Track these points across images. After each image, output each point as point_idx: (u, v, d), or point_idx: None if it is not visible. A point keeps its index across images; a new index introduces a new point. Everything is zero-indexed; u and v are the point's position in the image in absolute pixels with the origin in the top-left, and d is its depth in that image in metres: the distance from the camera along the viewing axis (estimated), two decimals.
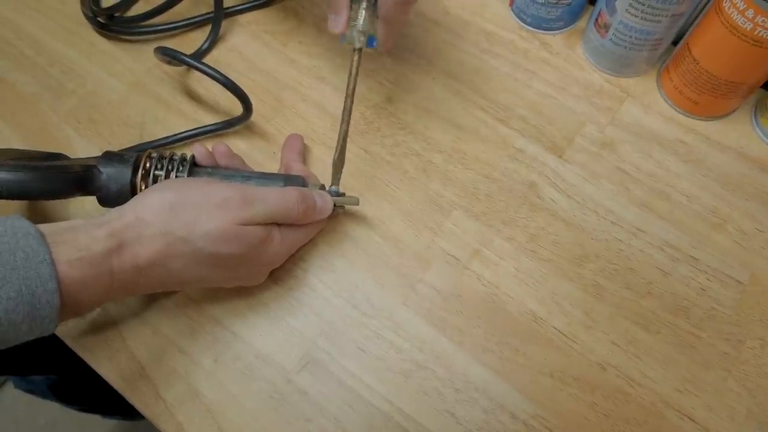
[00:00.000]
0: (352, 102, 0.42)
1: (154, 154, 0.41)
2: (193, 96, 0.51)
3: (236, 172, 0.42)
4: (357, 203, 0.43)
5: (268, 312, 0.42)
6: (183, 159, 0.41)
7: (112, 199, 0.40)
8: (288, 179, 0.41)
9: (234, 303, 0.42)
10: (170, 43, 0.54)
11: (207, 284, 0.40)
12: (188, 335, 0.41)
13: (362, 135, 0.49)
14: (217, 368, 0.40)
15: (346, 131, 0.42)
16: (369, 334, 0.42)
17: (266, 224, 0.38)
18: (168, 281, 0.37)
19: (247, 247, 0.37)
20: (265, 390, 0.40)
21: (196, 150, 0.42)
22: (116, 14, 0.54)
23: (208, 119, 0.50)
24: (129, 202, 0.36)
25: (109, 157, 0.40)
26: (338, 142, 0.42)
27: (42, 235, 0.31)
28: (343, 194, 0.43)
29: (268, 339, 0.41)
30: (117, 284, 0.34)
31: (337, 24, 0.42)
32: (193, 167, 0.41)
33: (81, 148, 0.49)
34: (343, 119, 0.42)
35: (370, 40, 0.42)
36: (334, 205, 0.42)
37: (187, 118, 0.50)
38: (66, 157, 0.44)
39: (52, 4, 0.56)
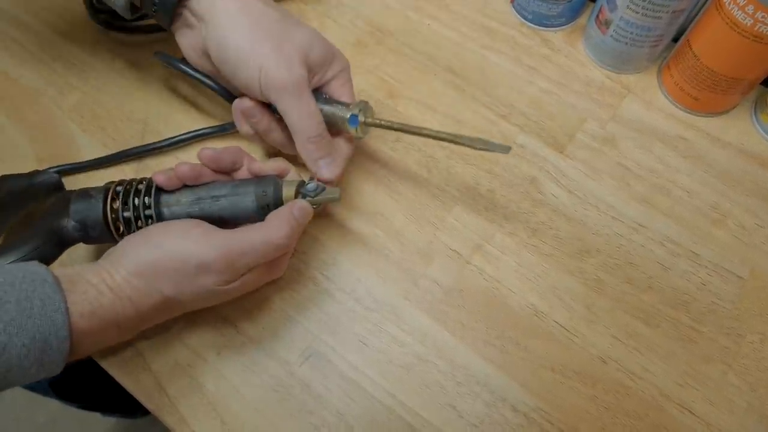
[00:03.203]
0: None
1: (119, 188, 0.39)
2: (196, 92, 0.52)
3: (204, 193, 0.39)
4: (338, 197, 0.40)
5: (271, 306, 0.42)
6: (148, 188, 0.39)
7: (96, 242, 0.40)
8: (259, 184, 0.39)
9: (236, 297, 0.42)
10: (173, 40, 0.54)
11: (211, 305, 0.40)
12: (191, 329, 0.41)
13: (364, 130, 0.49)
14: (220, 362, 0.40)
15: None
16: (371, 327, 0.42)
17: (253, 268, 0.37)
18: (175, 315, 0.39)
19: (237, 292, 0.38)
20: (267, 383, 0.40)
21: (157, 179, 0.39)
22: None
23: (212, 114, 0.50)
24: (114, 256, 0.36)
25: (77, 202, 0.39)
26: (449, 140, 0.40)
27: (58, 282, 0.32)
28: (323, 189, 0.39)
29: (270, 332, 0.42)
30: (124, 330, 0.35)
31: (334, 169, 0.41)
32: (159, 195, 0.39)
33: (84, 143, 0.49)
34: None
35: (353, 120, 0.41)
36: (316, 205, 0.40)
37: (189, 113, 0.50)
38: (36, 190, 0.43)
39: (57, 0, 0.56)
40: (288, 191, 0.39)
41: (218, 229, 0.37)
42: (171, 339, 0.41)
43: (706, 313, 0.42)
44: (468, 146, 0.39)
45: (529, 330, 0.42)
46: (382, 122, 0.42)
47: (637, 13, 0.46)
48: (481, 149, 0.39)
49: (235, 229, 0.37)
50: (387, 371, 0.40)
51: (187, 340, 0.41)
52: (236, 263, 0.36)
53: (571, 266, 0.44)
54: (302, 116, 0.39)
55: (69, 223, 0.39)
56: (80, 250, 0.43)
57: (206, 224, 0.37)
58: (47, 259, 0.38)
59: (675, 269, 0.44)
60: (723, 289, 0.43)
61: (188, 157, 0.48)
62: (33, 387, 0.78)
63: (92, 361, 0.41)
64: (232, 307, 0.42)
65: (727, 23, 0.42)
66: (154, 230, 0.37)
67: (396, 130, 0.42)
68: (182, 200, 0.39)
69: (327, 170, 0.40)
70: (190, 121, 0.50)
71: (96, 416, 0.92)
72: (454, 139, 0.40)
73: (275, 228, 0.36)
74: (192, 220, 0.38)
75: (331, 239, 0.45)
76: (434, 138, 0.40)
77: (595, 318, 0.42)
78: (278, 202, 0.39)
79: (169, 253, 0.35)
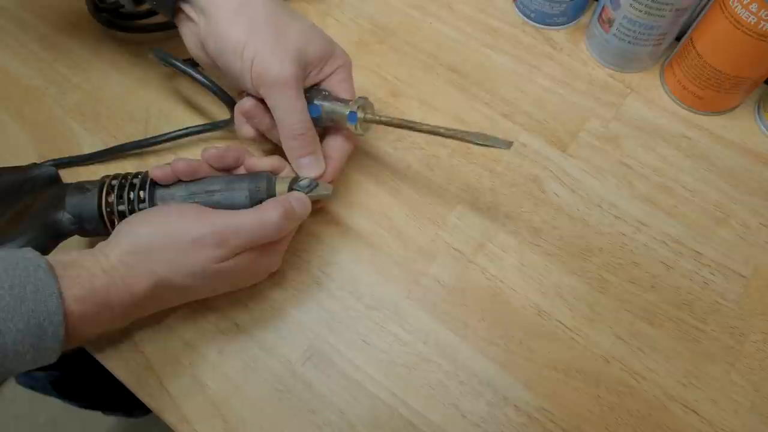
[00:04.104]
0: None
1: (114, 182, 0.40)
2: (198, 89, 0.51)
3: (198, 188, 0.39)
4: (329, 194, 0.40)
5: (272, 304, 0.42)
6: (143, 182, 0.40)
7: (91, 235, 0.40)
8: (252, 179, 0.39)
9: (237, 295, 0.42)
10: (175, 41, 0.54)
11: (206, 297, 0.40)
12: (192, 327, 0.41)
13: (366, 129, 0.49)
14: (222, 360, 0.40)
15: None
16: (373, 326, 0.42)
17: (248, 249, 0.37)
18: (166, 305, 0.39)
19: (232, 275, 0.37)
20: (269, 382, 0.40)
21: (153, 173, 0.39)
22: (121, 9, 0.54)
23: (214, 111, 0.50)
24: (110, 239, 0.36)
25: (72, 194, 0.39)
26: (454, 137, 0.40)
27: (51, 268, 0.32)
28: (315, 185, 0.40)
29: (272, 331, 0.41)
30: (118, 314, 0.35)
31: (316, 169, 0.41)
32: (154, 189, 0.40)
33: (86, 142, 0.49)
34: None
35: (352, 116, 0.41)
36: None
37: (191, 111, 0.50)
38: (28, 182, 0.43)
39: None
40: (281, 187, 0.40)
41: (214, 210, 0.38)
42: (173, 337, 0.41)
43: (709, 313, 0.42)
44: (468, 142, 0.39)
45: (532, 329, 0.42)
46: (382, 118, 0.41)
47: (640, 11, 0.45)
48: (481, 145, 0.39)
49: (231, 211, 0.38)
50: (389, 370, 0.40)
51: (189, 339, 0.41)
52: (230, 240, 0.36)
53: (573, 265, 0.44)
54: (287, 112, 0.39)
55: (64, 216, 0.39)
56: (76, 244, 0.43)
57: (202, 207, 0.38)
58: (41, 252, 0.38)
59: (678, 268, 0.44)
60: (726, 289, 0.43)
61: (185, 153, 0.48)
62: (33, 386, 0.78)
63: (93, 360, 0.41)
64: (234, 306, 0.42)
65: (730, 21, 0.42)
66: (151, 212, 0.38)
67: (395, 126, 0.42)
68: (177, 195, 0.39)
69: (308, 169, 0.41)
70: (192, 119, 0.50)
71: (97, 415, 0.92)
72: (453, 135, 0.39)
73: (269, 209, 0.37)
74: (188, 203, 0.39)
75: (333, 238, 0.45)
76: (433, 134, 0.40)
77: (598, 317, 0.42)
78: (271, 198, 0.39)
79: (164, 230, 0.36)
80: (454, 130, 0.39)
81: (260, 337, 0.41)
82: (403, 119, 0.41)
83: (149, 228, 0.36)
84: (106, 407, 0.89)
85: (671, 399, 0.40)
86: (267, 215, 0.37)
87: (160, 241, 0.35)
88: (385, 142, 0.49)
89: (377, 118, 0.41)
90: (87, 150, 0.48)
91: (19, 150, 0.49)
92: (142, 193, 0.39)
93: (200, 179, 0.40)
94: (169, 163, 0.39)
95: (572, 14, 0.53)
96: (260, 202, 0.39)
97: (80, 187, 0.40)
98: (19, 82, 0.52)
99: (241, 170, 0.42)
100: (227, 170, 0.41)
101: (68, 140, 0.49)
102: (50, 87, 0.52)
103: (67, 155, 0.48)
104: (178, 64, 0.45)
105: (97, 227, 0.39)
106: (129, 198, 0.39)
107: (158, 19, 0.54)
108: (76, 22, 0.55)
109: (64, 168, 0.47)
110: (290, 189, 0.40)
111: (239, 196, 0.39)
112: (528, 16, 0.54)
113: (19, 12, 0.56)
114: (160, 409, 0.39)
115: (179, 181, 0.40)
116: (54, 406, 0.86)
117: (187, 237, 0.35)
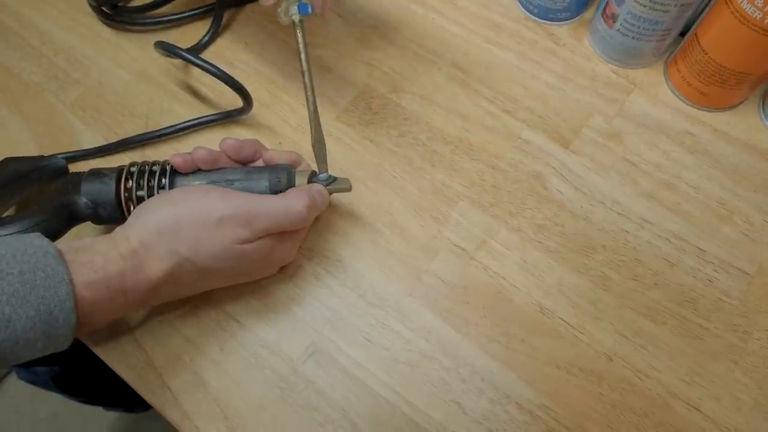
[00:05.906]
0: (311, 77, 0.40)
1: (133, 168, 0.40)
2: (199, 85, 0.51)
3: (218, 177, 0.40)
4: (349, 188, 0.41)
5: (274, 301, 0.42)
6: (163, 170, 0.40)
7: (104, 222, 0.40)
8: (273, 171, 0.40)
9: (239, 292, 0.42)
10: (176, 34, 0.54)
11: (219, 286, 0.40)
12: (194, 324, 0.41)
13: (368, 125, 0.49)
14: (223, 357, 0.40)
15: (315, 109, 0.40)
16: (375, 324, 0.41)
17: (269, 235, 0.37)
18: (181, 292, 0.38)
19: (251, 259, 0.37)
20: (271, 379, 0.40)
21: (174, 161, 0.39)
22: (119, 4, 0.54)
23: (214, 109, 0.50)
24: (130, 221, 0.36)
25: (89, 180, 0.39)
26: (310, 122, 0.40)
27: (61, 254, 0.31)
28: (334, 179, 0.41)
29: (273, 328, 0.41)
30: (132, 300, 0.34)
31: None
32: (174, 177, 0.40)
33: (86, 138, 0.49)
34: (307, 99, 0.40)
35: (303, 7, 0.39)
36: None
37: (192, 107, 0.50)
38: (47, 171, 0.43)
39: None
40: (301, 179, 0.40)
41: (238, 191, 0.37)
42: (174, 334, 0.41)
43: (713, 310, 0.42)
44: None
45: (534, 327, 0.41)
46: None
47: (645, 6, 0.45)
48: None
49: (256, 195, 0.38)
50: (391, 368, 0.40)
51: (190, 336, 0.41)
52: (254, 222, 0.36)
53: (576, 263, 0.44)
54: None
55: (80, 200, 0.39)
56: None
57: (226, 188, 0.38)
58: (53, 235, 0.38)
59: (681, 266, 0.44)
60: (730, 286, 0.43)
61: (189, 147, 0.48)
62: (34, 381, 0.78)
63: (94, 355, 0.41)
64: (235, 302, 0.42)
65: (736, 17, 0.42)
66: (171, 193, 0.37)
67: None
68: (196, 183, 0.39)
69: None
70: (192, 115, 0.49)
71: (98, 410, 0.92)
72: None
73: (295, 197, 0.37)
74: (210, 185, 0.38)
75: (335, 235, 0.44)
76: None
77: (601, 315, 0.42)
78: None
79: (189, 209, 0.35)
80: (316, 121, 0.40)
81: (262, 334, 0.41)
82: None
83: (173, 208, 0.36)
84: (107, 402, 0.89)
85: (674, 397, 0.39)
86: (292, 202, 0.37)
87: (185, 220, 0.35)
88: (387, 138, 0.48)
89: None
90: (87, 146, 0.48)
91: (19, 145, 0.48)
92: (163, 179, 0.39)
93: (219, 169, 0.40)
94: (189, 153, 0.39)
95: (575, 9, 0.53)
96: (280, 192, 0.39)
97: (97, 173, 0.40)
98: (20, 77, 0.52)
99: (259, 163, 0.42)
100: (244, 163, 0.41)
101: (68, 136, 0.49)
102: (50, 82, 0.51)
103: (67, 150, 0.47)
104: (185, 54, 0.45)
105: (112, 213, 0.39)
106: (149, 184, 0.39)
107: (158, 13, 0.54)
108: (76, 17, 0.55)
109: (70, 163, 0.47)
110: (309, 182, 0.40)
111: (259, 186, 0.39)
112: (531, 12, 0.54)
113: (19, 7, 0.55)
114: (161, 406, 0.39)
115: (198, 170, 0.40)
116: (55, 401, 0.86)
117: (213, 215, 0.35)
